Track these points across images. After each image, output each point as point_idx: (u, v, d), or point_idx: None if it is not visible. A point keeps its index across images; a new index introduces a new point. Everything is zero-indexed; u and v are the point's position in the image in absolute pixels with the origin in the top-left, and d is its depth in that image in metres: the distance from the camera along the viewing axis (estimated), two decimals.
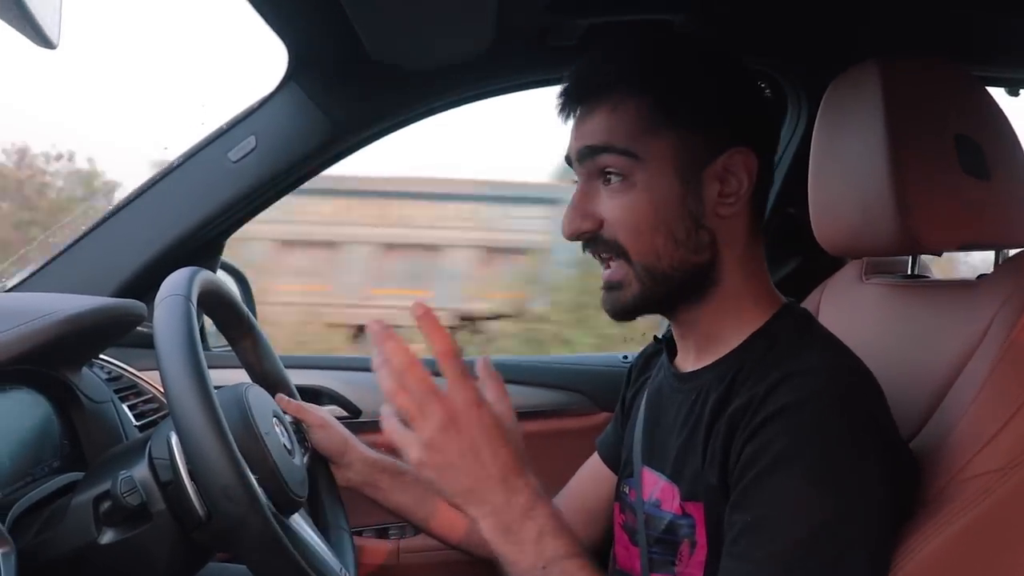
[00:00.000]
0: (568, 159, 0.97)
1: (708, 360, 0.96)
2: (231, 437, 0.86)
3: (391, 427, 0.85)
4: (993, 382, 0.86)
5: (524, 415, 1.63)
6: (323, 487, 1.24)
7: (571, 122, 0.95)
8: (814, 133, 1.09)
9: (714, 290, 0.94)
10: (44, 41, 0.68)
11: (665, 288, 0.92)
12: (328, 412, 1.28)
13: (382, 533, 1.65)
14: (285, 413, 1.14)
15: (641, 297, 0.93)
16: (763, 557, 0.78)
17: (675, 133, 0.90)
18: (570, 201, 0.94)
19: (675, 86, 0.91)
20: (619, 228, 0.91)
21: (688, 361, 1.00)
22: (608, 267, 0.95)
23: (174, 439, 0.90)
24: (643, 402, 1.07)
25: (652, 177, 0.90)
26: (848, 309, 1.19)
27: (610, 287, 0.95)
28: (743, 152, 0.91)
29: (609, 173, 0.91)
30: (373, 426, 1.58)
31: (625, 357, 1.77)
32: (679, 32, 0.94)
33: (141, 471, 0.93)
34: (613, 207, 0.91)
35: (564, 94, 0.95)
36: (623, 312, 0.95)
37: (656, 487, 0.97)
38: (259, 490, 0.87)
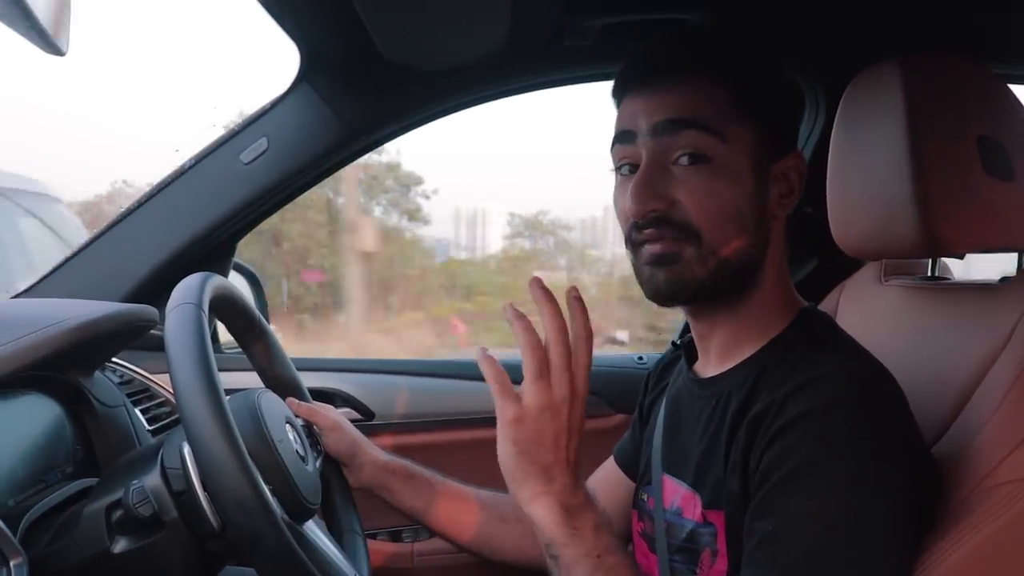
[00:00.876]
0: (625, 135, 0.92)
1: (729, 364, 0.95)
2: (244, 449, 0.85)
3: (498, 375, 0.82)
4: (1018, 388, 0.84)
5: None
6: (336, 490, 1.24)
7: (633, 96, 0.92)
8: (833, 132, 1.07)
9: (754, 291, 0.94)
10: (53, 48, 0.67)
11: (724, 276, 0.90)
12: (339, 414, 1.27)
13: (396, 536, 1.65)
14: (297, 416, 1.13)
15: (700, 281, 0.89)
16: (784, 565, 0.77)
17: (756, 125, 0.90)
18: (638, 177, 0.90)
19: (760, 80, 0.91)
20: (695, 208, 0.88)
21: (708, 366, 0.99)
22: (656, 243, 0.90)
23: (187, 450, 0.89)
24: (662, 409, 1.06)
25: (732, 163, 0.88)
26: (867, 311, 1.18)
27: (663, 261, 0.90)
28: (799, 158, 0.93)
29: (687, 152, 0.88)
30: (386, 428, 1.60)
31: (640, 358, 1.76)
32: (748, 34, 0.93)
33: (153, 480, 0.93)
34: (691, 188, 0.88)
35: (643, 63, 0.92)
36: (680, 289, 0.90)
37: (677, 495, 0.96)
38: (273, 502, 0.86)
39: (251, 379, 1.21)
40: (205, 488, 0.88)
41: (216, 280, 1.01)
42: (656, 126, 0.89)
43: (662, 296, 0.92)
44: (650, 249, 0.90)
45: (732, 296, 0.94)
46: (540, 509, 0.83)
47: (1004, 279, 0.99)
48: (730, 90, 0.89)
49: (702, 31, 0.95)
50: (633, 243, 0.93)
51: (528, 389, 0.81)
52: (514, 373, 0.80)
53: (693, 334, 1.02)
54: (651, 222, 0.89)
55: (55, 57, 0.71)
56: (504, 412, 0.82)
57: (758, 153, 0.90)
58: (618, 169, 0.95)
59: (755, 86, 0.90)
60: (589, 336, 0.83)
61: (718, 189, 0.88)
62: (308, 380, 1.29)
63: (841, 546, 0.76)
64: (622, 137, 0.93)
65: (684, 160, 0.88)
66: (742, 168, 0.89)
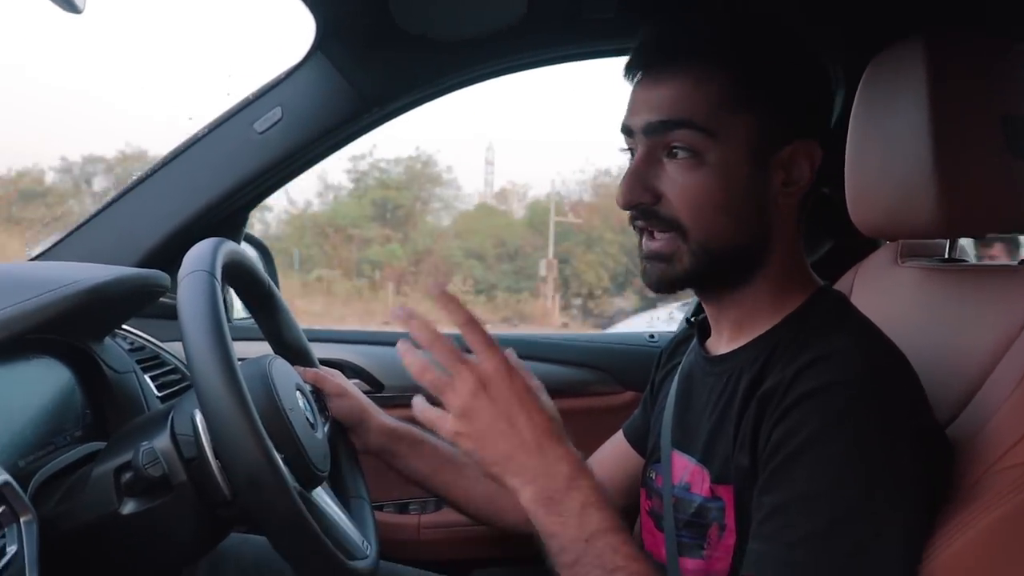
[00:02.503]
0: (627, 129, 0.93)
1: (741, 342, 0.95)
2: (258, 420, 0.85)
3: (422, 410, 0.85)
4: None
5: (549, 393, 1.65)
6: (343, 456, 1.24)
7: (634, 85, 0.93)
8: (853, 110, 1.06)
9: (759, 272, 0.93)
10: (71, 6, 0.67)
11: (716, 267, 0.91)
12: (346, 379, 1.27)
13: (403, 508, 1.66)
14: (305, 382, 1.14)
15: (691, 273, 0.91)
16: (792, 540, 0.77)
17: (753, 115, 0.88)
18: (628, 169, 0.91)
19: (761, 66, 0.89)
20: (681, 205, 0.89)
21: (721, 343, 0.99)
22: (653, 238, 0.92)
23: (199, 417, 0.89)
24: (673, 386, 1.06)
25: (725, 156, 0.88)
26: (882, 292, 1.17)
27: (656, 258, 0.92)
28: (810, 144, 0.90)
29: (677, 148, 0.88)
30: (396, 401, 1.60)
31: (652, 336, 1.75)
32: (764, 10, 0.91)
33: (163, 443, 0.93)
34: (678, 183, 0.89)
35: (641, 53, 0.92)
36: (668, 285, 0.93)
37: (686, 470, 0.96)
38: (286, 472, 0.86)
39: (261, 349, 1.21)
40: (217, 456, 0.88)
41: (228, 246, 1.00)
42: (648, 126, 0.90)
43: (654, 288, 0.94)
44: (647, 244, 0.93)
45: (735, 280, 0.94)
46: (524, 501, 0.83)
47: (1023, 262, 0.98)
48: (727, 78, 0.88)
49: (704, 15, 0.91)
50: (638, 233, 0.95)
51: (447, 398, 0.84)
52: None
53: (706, 312, 1.02)
54: (639, 214, 0.91)
55: (73, 16, 0.71)
56: (444, 429, 0.85)
57: (758, 142, 0.88)
58: (628, 152, 0.96)
59: (758, 69, 0.88)
60: (471, 319, 0.85)
61: (707, 185, 0.88)
62: (317, 351, 1.29)
63: (849, 523, 0.76)
64: (624, 129, 0.94)
65: (675, 154, 0.89)
66: (737, 160, 0.88)
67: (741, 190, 0.89)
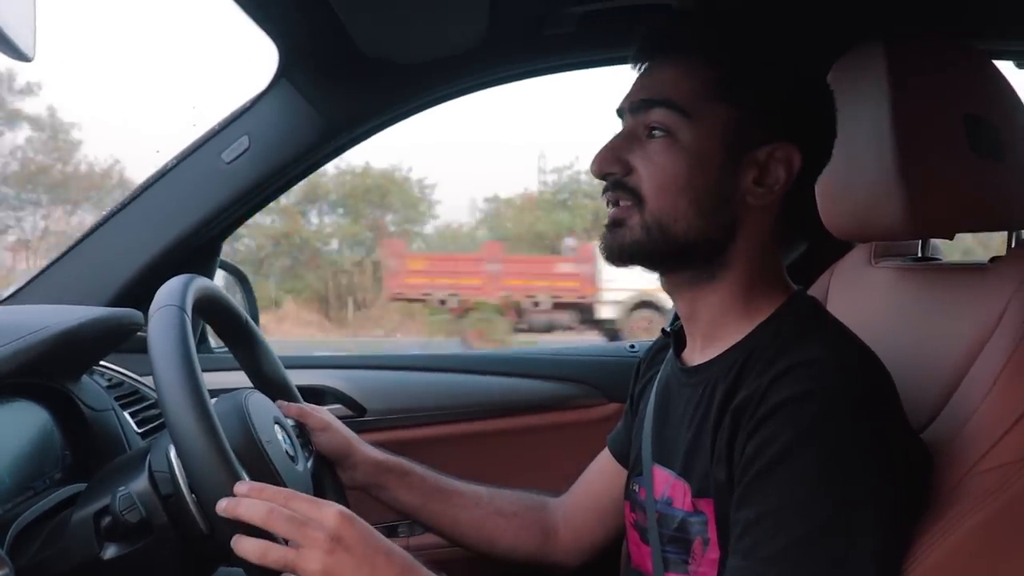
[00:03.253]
0: (620, 110, 0.96)
1: (715, 352, 0.94)
2: (230, 451, 0.84)
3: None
4: (1010, 370, 0.83)
5: (533, 409, 1.66)
6: (329, 490, 1.22)
7: (635, 74, 0.96)
8: None
9: (721, 273, 0.93)
10: (19, 55, 0.66)
11: (667, 247, 0.91)
12: (330, 414, 1.26)
13: (391, 531, 1.64)
14: (287, 417, 1.12)
15: (640, 245, 0.92)
16: (767, 555, 0.77)
17: (734, 108, 0.89)
18: (606, 143, 0.94)
19: (748, 65, 0.90)
20: (647, 180, 0.91)
21: (695, 353, 0.98)
22: (616, 206, 0.94)
23: (173, 454, 0.88)
24: (651, 398, 1.05)
25: (697, 140, 0.89)
26: (857, 293, 1.17)
27: (613, 224, 0.94)
28: (790, 148, 0.90)
29: (655, 128, 0.91)
30: (378, 424, 1.60)
31: (633, 347, 1.75)
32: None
33: (141, 485, 0.92)
34: (648, 159, 0.91)
35: (640, 46, 0.95)
36: (618, 254, 0.94)
37: (667, 485, 0.95)
38: None
39: (242, 378, 1.20)
40: (192, 490, 0.87)
41: (199, 282, 0.99)
42: (634, 104, 0.93)
43: (605, 255, 0.95)
44: (610, 212, 0.95)
45: (696, 273, 0.94)
46: None
47: (994, 259, 0.99)
48: (713, 71, 0.89)
49: (698, 14, 0.95)
50: (608, 204, 0.97)
51: (304, 557, 0.82)
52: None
53: (681, 320, 1.02)
54: (610, 185, 0.94)
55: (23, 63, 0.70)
56: None
57: (733, 135, 0.89)
58: None
59: (743, 69, 0.90)
60: (270, 514, 0.82)
61: (674, 163, 0.89)
62: (297, 378, 1.28)
63: (825, 535, 0.76)
64: (618, 112, 0.97)
65: (652, 133, 0.91)
66: (709, 147, 0.89)
67: (708, 178, 0.89)
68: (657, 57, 0.93)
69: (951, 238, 0.98)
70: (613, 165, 0.92)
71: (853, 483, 0.77)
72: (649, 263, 0.95)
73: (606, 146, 0.94)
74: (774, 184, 0.90)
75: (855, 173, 0.99)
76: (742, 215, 0.91)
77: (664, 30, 0.94)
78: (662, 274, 0.97)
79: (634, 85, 0.95)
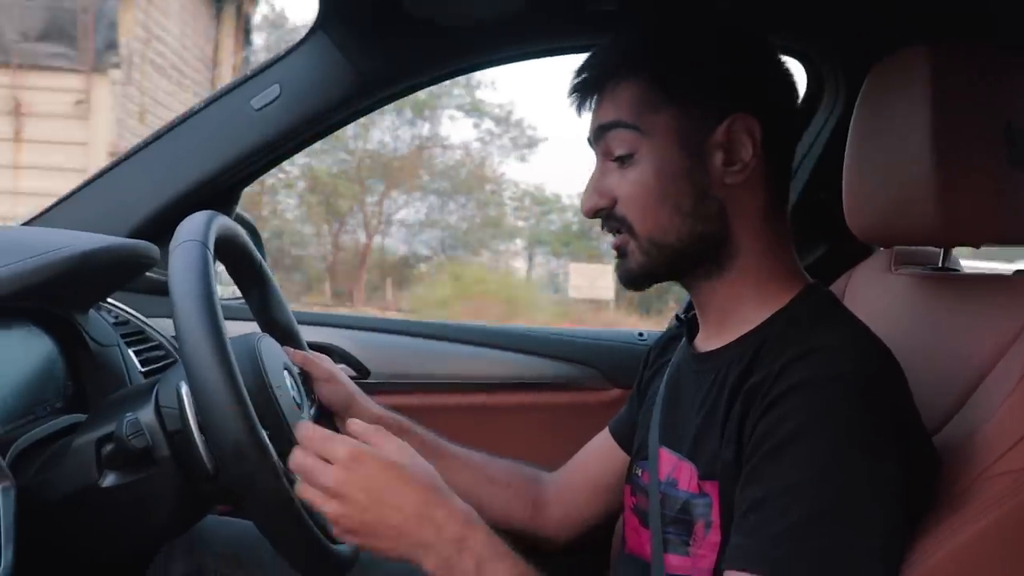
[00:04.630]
0: (589, 142, 1.00)
1: (728, 338, 0.95)
2: (245, 392, 0.84)
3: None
4: None
5: (536, 387, 1.65)
6: None
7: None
8: (854, 115, 1.06)
9: (731, 263, 0.94)
10: None
11: (670, 258, 0.94)
12: (334, 364, 1.26)
13: None
14: (293, 364, 1.12)
15: (646, 267, 0.95)
16: (773, 533, 0.77)
17: (675, 107, 0.92)
18: (589, 180, 0.98)
19: (670, 63, 0.94)
20: (628, 204, 0.94)
21: (709, 340, 0.99)
22: (613, 237, 0.97)
23: (184, 389, 0.87)
24: (662, 384, 1.06)
25: (656, 151, 0.92)
26: (875, 298, 1.17)
27: (618, 255, 0.98)
28: (743, 118, 0.91)
29: (615, 154, 0.94)
30: (382, 387, 1.59)
31: (641, 335, 1.75)
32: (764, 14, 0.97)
33: (147, 415, 0.91)
34: (622, 184, 0.94)
35: (575, 90, 0.99)
36: (631, 280, 0.98)
37: (673, 466, 0.96)
38: (271, 449, 0.85)
39: (248, 329, 1.19)
40: (202, 430, 0.86)
41: (222, 220, 0.99)
42: (594, 133, 0.98)
43: (623, 284, 1.00)
44: (610, 242, 0.98)
45: (707, 271, 0.95)
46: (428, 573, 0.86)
47: (1018, 272, 0.98)
48: (641, 82, 0.93)
49: (619, 36, 0.99)
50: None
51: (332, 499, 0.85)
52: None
53: (695, 307, 1.02)
54: (603, 219, 0.98)
55: None
56: (333, 530, 0.87)
57: (686, 132, 0.92)
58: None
59: (670, 71, 0.93)
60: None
61: (644, 180, 0.93)
62: (306, 334, 1.28)
63: (829, 517, 0.76)
64: (588, 143, 1.01)
65: (617, 159, 0.94)
66: (667, 152, 0.92)
67: (678, 180, 0.92)
68: (593, 89, 0.97)
69: (978, 247, 0.98)
70: (600, 200, 0.96)
71: (863, 468, 0.77)
72: (661, 278, 0.99)
73: (589, 184, 0.97)
74: (744, 158, 0.91)
75: (888, 175, 0.99)
76: (726, 202, 0.93)
77: (588, 64, 0.98)
78: (678, 280, 0.99)
79: (591, 119, 0.99)
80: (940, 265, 1.13)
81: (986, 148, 0.93)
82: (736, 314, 0.95)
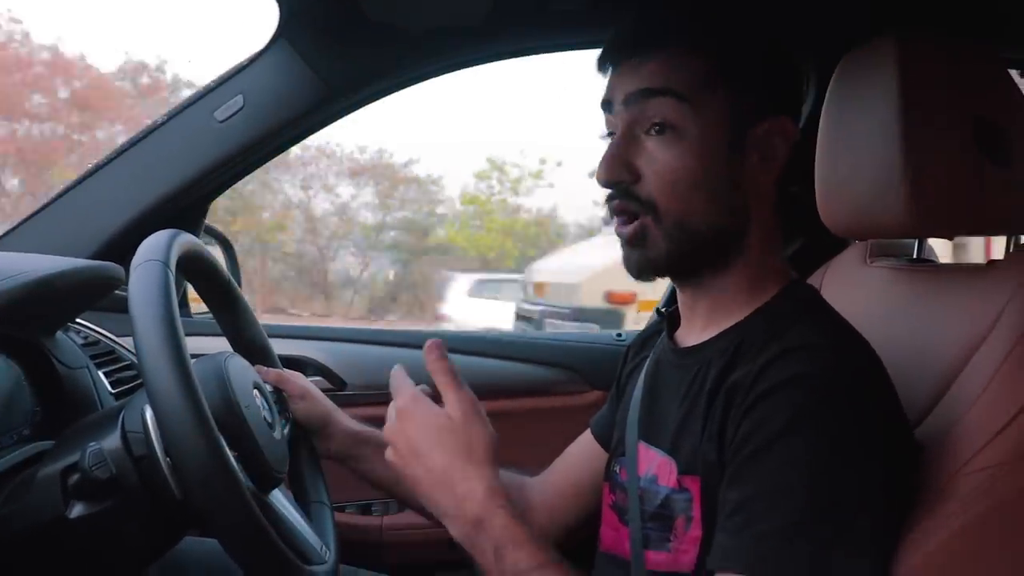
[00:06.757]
0: (606, 104, 0.94)
1: (712, 333, 0.94)
2: (210, 416, 0.81)
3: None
4: (1004, 373, 0.83)
5: (515, 392, 1.64)
6: (304, 459, 1.21)
7: (612, 70, 0.94)
8: (824, 108, 1.05)
9: (736, 259, 0.93)
10: None
11: (693, 247, 0.90)
12: (309, 381, 1.24)
13: (365, 510, 1.63)
14: (265, 382, 1.10)
15: (669, 255, 0.90)
16: (759, 534, 0.76)
17: (732, 93, 0.89)
18: (608, 147, 0.91)
19: (735, 48, 0.91)
20: (657, 183, 0.89)
21: (692, 334, 0.98)
22: (627, 224, 0.91)
23: (149, 414, 0.85)
24: (641, 379, 1.05)
25: (703, 132, 0.88)
26: (851, 291, 1.16)
27: (632, 243, 0.92)
28: (783, 120, 0.91)
29: (657, 123, 0.89)
30: (358, 399, 1.57)
31: (619, 335, 1.74)
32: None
33: (112, 443, 0.89)
34: (657, 160, 0.89)
35: (621, 37, 0.93)
36: (647, 270, 0.93)
37: (653, 462, 0.94)
38: (239, 473, 0.83)
39: (221, 344, 1.18)
40: (167, 454, 0.84)
41: (185, 238, 0.97)
42: (629, 96, 0.90)
43: (635, 275, 0.94)
44: (621, 230, 0.92)
45: (714, 264, 0.93)
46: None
47: (992, 262, 0.98)
48: (706, 61, 0.89)
49: (682, 5, 0.93)
50: (612, 214, 0.94)
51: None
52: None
53: (679, 303, 1.01)
54: (617, 193, 0.91)
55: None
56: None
57: (733, 120, 0.90)
58: (606, 137, 0.95)
59: (732, 56, 0.90)
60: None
61: (683, 160, 0.88)
62: (279, 347, 1.26)
63: (816, 517, 0.75)
64: (604, 106, 0.94)
65: (654, 131, 0.89)
66: (714, 135, 0.89)
67: (719, 166, 0.89)
68: (647, 47, 0.90)
69: (951, 239, 0.98)
70: (621, 172, 0.90)
71: (849, 467, 0.76)
72: (677, 270, 0.95)
73: (610, 152, 0.91)
74: (777, 158, 0.91)
75: (859, 168, 0.98)
76: (751, 196, 0.92)
77: (650, 22, 0.93)
78: (687, 274, 0.96)
79: (624, 74, 0.92)
80: (916, 256, 1.12)
81: (956, 139, 0.92)
82: (724, 310, 0.94)
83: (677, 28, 0.91)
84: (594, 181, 0.93)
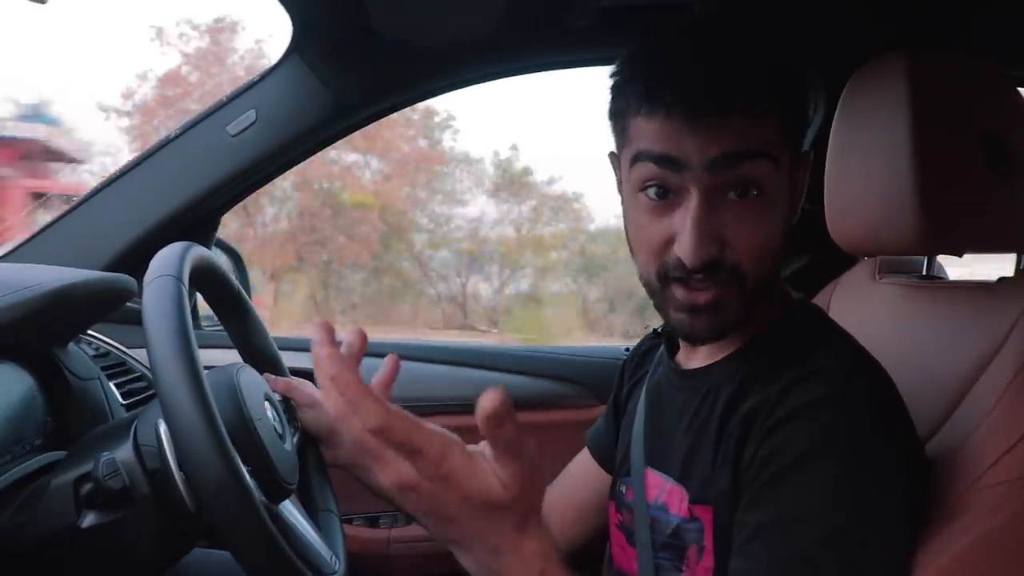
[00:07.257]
0: (672, 161, 0.81)
1: (717, 356, 0.93)
2: (225, 434, 0.82)
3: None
4: (1014, 389, 0.83)
5: (523, 406, 1.63)
6: (312, 468, 1.20)
7: (677, 122, 0.80)
8: (833, 125, 1.06)
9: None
10: None
11: (758, 301, 0.87)
12: (317, 390, 1.24)
13: (373, 522, 1.63)
14: (274, 391, 1.11)
15: (741, 318, 0.86)
16: (781, 559, 0.75)
17: (792, 146, 0.86)
18: (693, 220, 0.81)
19: (798, 107, 0.87)
20: (745, 251, 0.82)
21: (695, 356, 0.96)
22: (704, 290, 0.84)
23: (163, 428, 0.86)
24: (641, 400, 1.04)
25: (780, 188, 0.84)
26: (860, 308, 1.16)
27: (710, 308, 0.85)
28: (805, 158, 0.90)
29: (749, 186, 0.81)
30: None
31: (627, 350, 1.74)
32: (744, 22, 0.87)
33: (125, 453, 0.89)
34: (745, 226, 0.82)
35: (696, 88, 0.80)
36: (719, 336, 0.87)
37: (662, 490, 0.94)
38: (253, 487, 0.84)
39: (230, 357, 1.18)
40: (181, 468, 0.85)
41: (197, 251, 0.97)
42: (714, 160, 0.80)
43: (701, 341, 0.89)
44: (692, 298, 0.84)
45: None
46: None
47: (1002, 279, 0.98)
48: (782, 117, 0.84)
49: (746, 59, 0.84)
50: (666, 281, 0.86)
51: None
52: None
53: None
54: (703, 267, 0.82)
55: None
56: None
57: (793, 171, 0.87)
58: (643, 189, 0.85)
59: (797, 114, 0.87)
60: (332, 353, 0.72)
61: (768, 223, 0.83)
62: (289, 360, 1.26)
63: (836, 542, 0.74)
64: (663, 161, 0.82)
65: (745, 192, 0.81)
66: (785, 191, 0.85)
67: (786, 219, 0.87)
68: (731, 106, 0.80)
69: (960, 255, 0.98)
70: (711, 246, 0.81)
71: (868, 490, 0.76)
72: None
73: (698, 229, 0.80)
74: (802, 190, 0.90)
75: (869, 184, 0.98)
76: None
77: (726, 78, 0.81)
78: None
79: (695, 134, 0.80)
80: (924, 273, 1.13)
81: (965, 156, 0.93)
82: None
83: (756, 85, 0.82)
84: None
